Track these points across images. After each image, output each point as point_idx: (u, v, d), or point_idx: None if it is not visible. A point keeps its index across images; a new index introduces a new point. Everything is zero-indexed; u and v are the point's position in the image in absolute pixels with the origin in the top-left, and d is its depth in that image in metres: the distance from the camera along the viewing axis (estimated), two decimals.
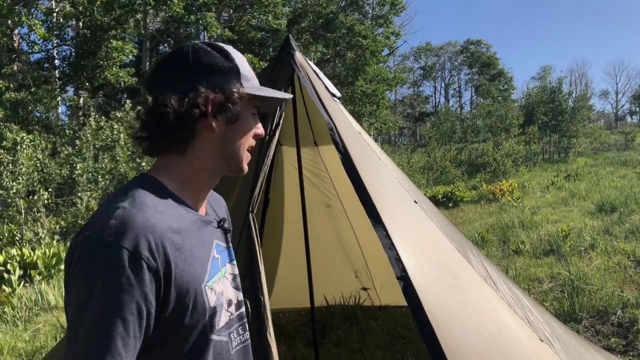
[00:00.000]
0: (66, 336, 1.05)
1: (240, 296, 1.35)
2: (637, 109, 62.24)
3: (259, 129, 1.27)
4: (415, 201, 3.19)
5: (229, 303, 1.25)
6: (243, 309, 1.35)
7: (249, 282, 2.52)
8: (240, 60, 1.23)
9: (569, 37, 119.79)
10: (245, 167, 1.27)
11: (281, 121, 3.06)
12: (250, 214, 2.70)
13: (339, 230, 4.89)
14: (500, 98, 46.32)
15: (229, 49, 1.23)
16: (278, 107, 3.10)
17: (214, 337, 1.16)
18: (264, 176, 2.85)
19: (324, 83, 3.49)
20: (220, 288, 1.20)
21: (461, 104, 63.78)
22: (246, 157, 1.26)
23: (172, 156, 1.17)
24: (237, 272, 1.36)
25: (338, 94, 3.65)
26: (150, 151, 1.18)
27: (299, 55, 3.42)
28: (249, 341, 1.34)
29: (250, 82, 1.24)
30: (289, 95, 1.38)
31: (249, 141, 1.25)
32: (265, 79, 3.40)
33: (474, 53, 57.19)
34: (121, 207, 1.03)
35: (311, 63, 3.55)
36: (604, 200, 11.47)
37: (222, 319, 1.19)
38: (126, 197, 1.06)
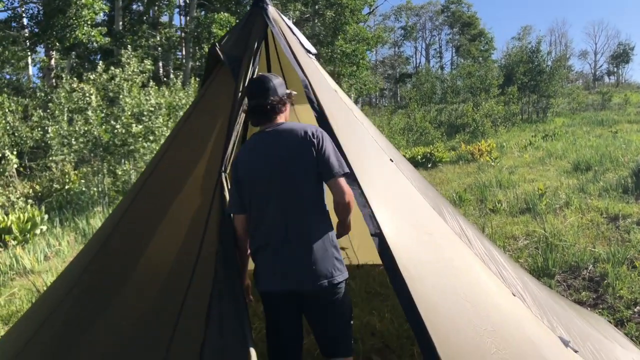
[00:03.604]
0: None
1: None
2: (615, 69, 62.65)
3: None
4: (391, 159, 3.17)
5: None
6: None
7: (221, 242, 2.48)
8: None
9: None
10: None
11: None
12: (222, 174, 2.64)
13: None
14: (480, 58, 46.19)
15: (270, 74, 2.61)
16: (251, 64, 3.01)
17: None
18: (236, 135, 2.77)
19: (298, 39, 3.39)
20: None
21: (442, 64, 63.49)
22: None
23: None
24: None
25: (313, 50, 3.55)
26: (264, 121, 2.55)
27: (272, 10, 3.30)
28: None
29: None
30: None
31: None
32: (237, 35, 3.29)
33: (454, 12, 56.55)
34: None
35: (285, 18, 3.44)
36: (579, 160, 11.64)
37: None
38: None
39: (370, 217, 2.45)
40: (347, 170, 2.39)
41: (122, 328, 2.42)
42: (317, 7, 23.41)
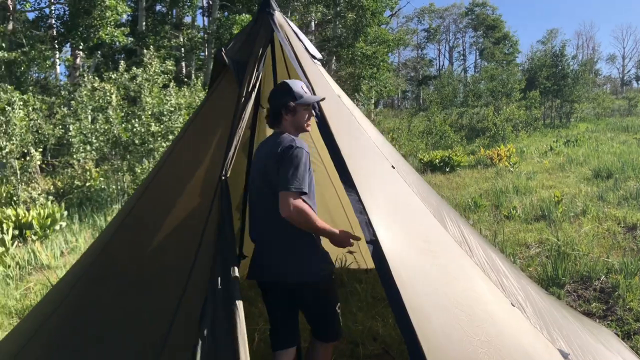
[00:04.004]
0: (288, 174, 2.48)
1: None
2: None
3: (309, 116, 2.82)
4: (392, 166, 3.17)
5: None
6: None
7: (220, 247, 2.51)
8: (296, 87, 2.75)
9: None
10: (307, 129, 2.82)
11: (257, 83, 3.01)
12: (222, 178, 2.67)
13: (324, 194, 4.89)
14: (504, 62, 45.64)
15: (291, 83, 2.77)
16: (255, 69, 3.04)
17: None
18: (237, 139, 2.80)
19: (304, 44, 3.41)
20: (313, 174, 2.66)
21: (465, 67, 62.94)
22: (305, 127, 2.81)
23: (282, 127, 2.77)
24: None
25: (319, 55, 3.58)
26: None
27: (278, 15, 3.33)
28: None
29: (303, 96, 2.74)
30: (320, 98, 2.81)
31: (303, 120, 2.78)
32: (243, 40, 3.33)
33: (479, 15, 56.01)
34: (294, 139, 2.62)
35: (291, 23, 3.47)
36: (601, 166, 11.43)
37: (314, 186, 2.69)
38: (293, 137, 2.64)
39: (367, 224, 2.46)
40: (300, 187, 2.47)
41: (121, 326, 2.47)
42: (338, 9, 23.42)
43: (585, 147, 15.86)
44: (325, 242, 2.76)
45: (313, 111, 2.87)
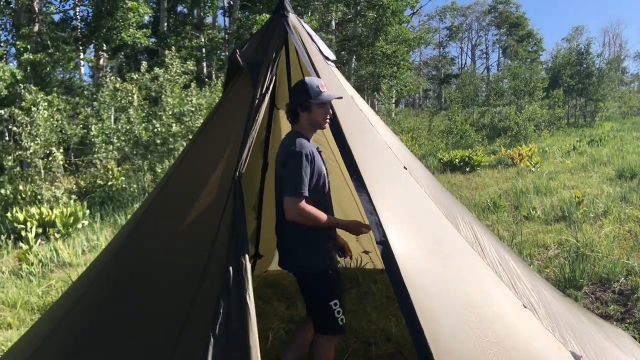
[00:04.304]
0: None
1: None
2: None
3: (325, 113, 2.86)
4: (405, 167, 3.18)
5: (327, 182, 2.94)
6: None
7: (232, 245, 2.56)
8: (312, 85, 2.83)
9: None
10: (324, 126, 2.89)
11: (271, 85, 3.04)
12: (236, 178, 2.72)
13: (340, 194, 4.90)
14: (528, 60, 45.02)
15: (308, 81, 2.87)
16: (269, 71, 3.08)
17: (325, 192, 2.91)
18: (251, 140, 2.84)
19: (317, 45, 3.44)
20: (323, 171, 2.87)
21: (488, 65, 62.25)
22: (322, 123, 2.88)
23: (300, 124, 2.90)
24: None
25: (332, 56, 3.60)
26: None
27: (292, 17, 3.36)
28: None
29: (319, 95, 2.81)
30: (336, 96, 2.91)
31: (320, 118, 2.85)
32: (257, 42, 3.38)
33: (502, 13, 55.32)
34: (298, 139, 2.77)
35: (305, 25, 3.50)
36: (624, 166, 11.22)
37: (327, 187, 2.93)
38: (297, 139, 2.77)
39: (377, 225, 2.48)
40: (300, 192, 2.68)
41: (135, 323, 2.54)
42: (358, 8, 23.39)
43: (610, 147, 15.57)
44: (343, 232, 3.02)
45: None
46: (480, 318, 2.49)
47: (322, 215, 2.75)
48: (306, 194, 2.68)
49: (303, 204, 2.68)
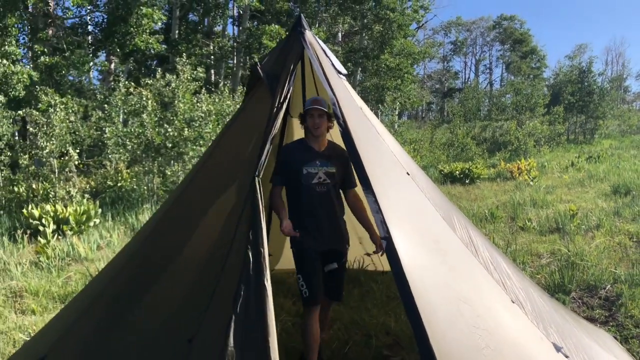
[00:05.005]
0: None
1: (327, 179, 3.50)
2: None
3: (313, 122, 3.50)
4: (407, 173, 3.51)
5: (318, 177, 3.47)
6: (328, 181, 3.49)
7: (252, 236, 2.87)
8: (309, 100, 3.61)
9: (608, 14, 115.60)
10: (315, 133, 3.51)
11: (289, 95, 3.38)
12: (256, 178, 3.04)
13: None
14: (531, 76, 45.46)
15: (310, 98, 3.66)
16: (287, 83, 3.42)
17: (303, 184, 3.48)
18: (270, 144, 3.17)
19: (331, 61, 3.78)
20: (312, 171, 3.47)
21: (491, 80, 62.77)
22: (312, 131, 3.52)
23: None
24: (332, 171, 3.52)
25: (344, 71, 3.94)
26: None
27: (309, 34, 3.70)
28: (328, 192, 3.51)
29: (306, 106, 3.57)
30: (309, 104, 3.57)
31: (313, 125, 3.48)
32: (276, 55, 3.73)
33: (506, 29, 55.93)
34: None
35: (320, 42, 3.84)
36: (620, 183, 11.53)
37: (310, 180, 3.46)
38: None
39: (382, 222, 2.80)
40: (273, 181, 3.58)
41: (158, 310, 2.85)
42: (365, 21, 23.84)
43: (607, 164, 15.90)
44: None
45: (337, 121, 3.24)
46: (473, 309, 2.81)
47: (275, 204, 3.47)
48: (276, 182, 3.55)
49: (272, 190, 3.55)
